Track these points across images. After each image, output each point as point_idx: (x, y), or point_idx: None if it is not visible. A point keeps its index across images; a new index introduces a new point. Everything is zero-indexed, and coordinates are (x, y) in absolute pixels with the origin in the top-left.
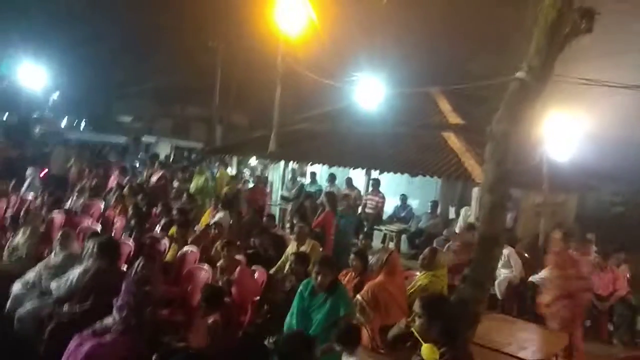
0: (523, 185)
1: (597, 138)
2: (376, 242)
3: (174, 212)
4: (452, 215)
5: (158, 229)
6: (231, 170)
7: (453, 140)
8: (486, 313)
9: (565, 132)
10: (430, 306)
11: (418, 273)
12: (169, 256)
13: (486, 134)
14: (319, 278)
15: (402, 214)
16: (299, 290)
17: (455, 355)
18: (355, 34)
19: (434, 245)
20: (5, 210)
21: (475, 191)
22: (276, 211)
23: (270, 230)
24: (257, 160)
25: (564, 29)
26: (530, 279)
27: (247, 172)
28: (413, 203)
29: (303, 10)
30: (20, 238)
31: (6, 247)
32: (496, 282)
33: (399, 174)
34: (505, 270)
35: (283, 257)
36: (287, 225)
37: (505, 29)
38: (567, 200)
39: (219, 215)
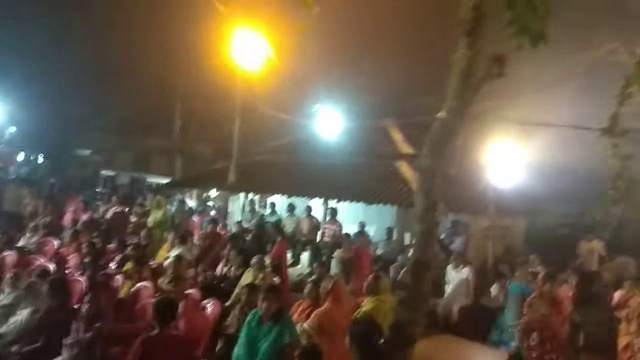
0: (471, 210)
1: (538, 165)
2: (335, 271)
3: (129, 247)
4: (407, 241)
5: (113, 265)
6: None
7: (405, 169)
8: (439, 334)
9: (506, 160)
10: (353, 334)
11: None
12: (122, 292)
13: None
14: (265, 306)
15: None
16: (247, 321)
17: None
18: (313, 68)
19: (391, 271)
20: None
21: None
22: None
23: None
24: (218, 192)
25: (477, 74)
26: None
27: (211, 204)
28: (371, 230)
29: (260, 47)
30: None
31: None
32: (442, 304)
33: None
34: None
35: (237, 289)
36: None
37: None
38: (514, 223)
39: (178, 250)
